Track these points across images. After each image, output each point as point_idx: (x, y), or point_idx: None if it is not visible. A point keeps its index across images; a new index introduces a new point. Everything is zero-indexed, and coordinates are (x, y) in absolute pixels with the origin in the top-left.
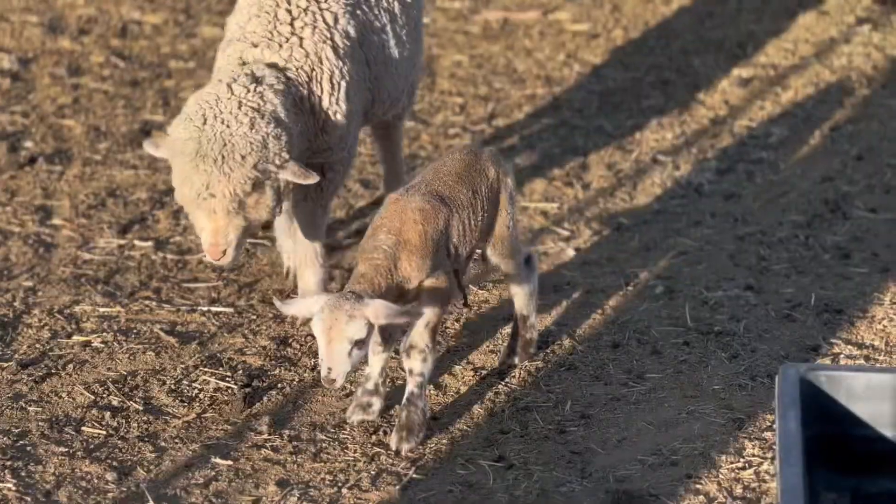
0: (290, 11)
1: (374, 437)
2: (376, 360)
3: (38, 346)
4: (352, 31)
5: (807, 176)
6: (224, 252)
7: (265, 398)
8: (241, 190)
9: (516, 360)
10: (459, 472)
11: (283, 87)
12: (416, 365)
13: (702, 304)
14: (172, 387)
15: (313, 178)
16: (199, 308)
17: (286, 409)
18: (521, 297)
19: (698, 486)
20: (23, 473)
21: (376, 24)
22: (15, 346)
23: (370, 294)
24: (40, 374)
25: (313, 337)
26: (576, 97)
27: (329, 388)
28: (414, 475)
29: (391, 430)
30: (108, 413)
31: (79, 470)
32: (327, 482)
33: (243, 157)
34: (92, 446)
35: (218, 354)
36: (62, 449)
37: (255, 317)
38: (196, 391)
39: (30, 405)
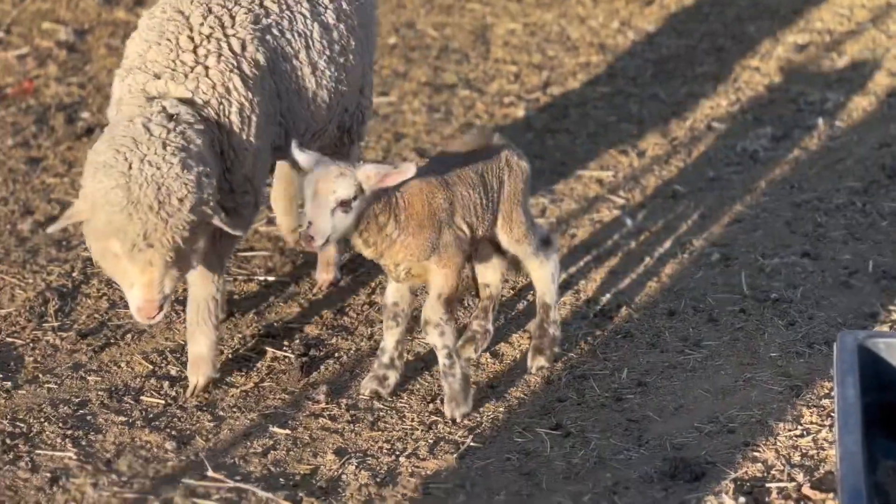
0: (192, 38)
1: (431, 406)
2: (390, 334)
3: (96, 316)
4: (261, 60)
5: (863, 142)
6: (160, 310)
7: (322, 367)
8: (180, 237)
9: (545, 362)
10: (517, 440)
11: (202, 125)
12: (435, 340)
13: (758, 272)
14: (230, 356)
15: (240, 231)
16: (256, 278)
17: (343, 378)
18: (541, 281)
19: (756, 453)
20: (83, 442)
21: (288, 51)
22: (74, 317)
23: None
24: (99, 343)
25: (370, 305)
26: (630, 65)
27: (308, 248)
28: (471, 443)
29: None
30: (167, 382)
31: (138, 439)
32: (385, 451)
33: (181, 201)
34: (151, 415)
35: (275, 324)
36: (122, 418)
37: (311, 286)
38: (253, 360)
39: (89, 374)
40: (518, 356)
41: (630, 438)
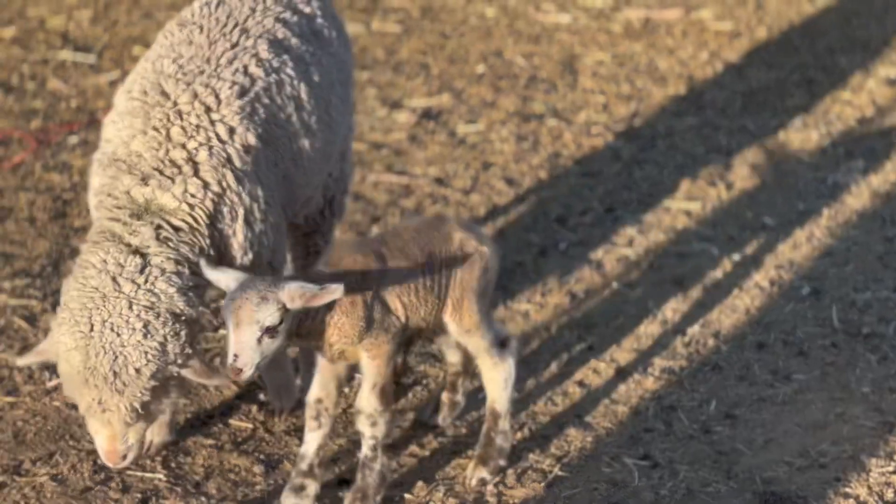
0: (184, 129)
1: (518, 434)
2: (312, 437)
3: None
4: (251, 139)
5: None
6: (125, 458)
7: (410, 394)
8: (138, 401)
9: (486, 475)
10: (604, 470)
11: (174, 268)
12: (365, 429)
13: (849, 306)
14: None
15: (218, 380)
16: None
17: (430, 405)
18: (492, 385)
19: (847, 489)
20: (173, 465)
21: (280, 116)
22: None
23: (288, 278)
24: None
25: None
26: (719, 96)
27: (236, 380)
28: (559, 472)
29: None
30: (255, 406)
31: (227, 462)
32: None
33: (138, 371)
34: (239, 439)
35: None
36: (210, 441)
37: None
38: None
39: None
40: (603, 384)
41: (719, 471)
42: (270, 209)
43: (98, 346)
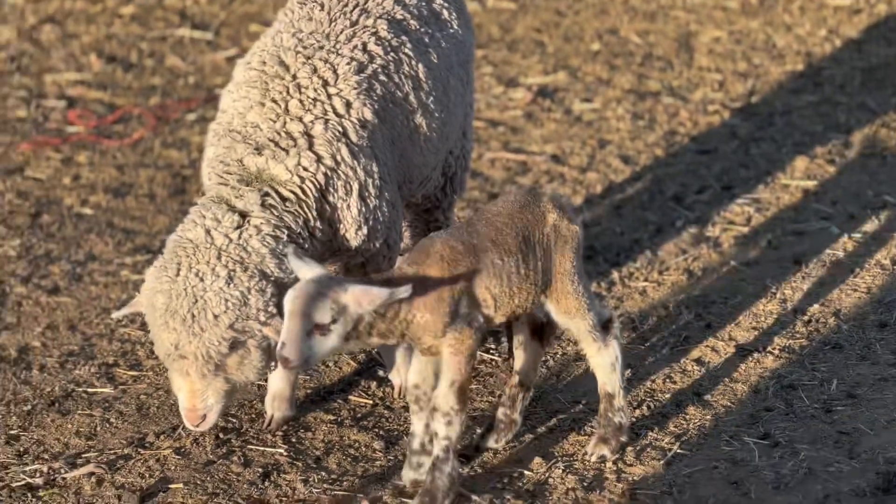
0: (302, 103)
1: (637, 412)
2: (417, 418)
3: None
4: (368, 115)
5: None
6: (204, 419)
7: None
8: (215, 351)
9: (607, 452)
10: (724, 449)
11: (272, 231)
12: (440, 428)
13: None
14: None
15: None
16: None
17: (549, 382)
18: (600, 369)
19: None
20: (293, 440)
21: (398, 95)
22: None
23: (356, 281)
24: None
25: None
26: (837, 73)
27: (285, 368)
28: (678, 450)
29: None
30: (374, 383)
31: (347, 438)
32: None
33: (216, 317)
34: (359, 415)
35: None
36: (330, 417)
37: None
38: None
39: (299, 373)
40: (722, 363)
41: (841, 451)
42: (386, 186)
43: (180, 289)
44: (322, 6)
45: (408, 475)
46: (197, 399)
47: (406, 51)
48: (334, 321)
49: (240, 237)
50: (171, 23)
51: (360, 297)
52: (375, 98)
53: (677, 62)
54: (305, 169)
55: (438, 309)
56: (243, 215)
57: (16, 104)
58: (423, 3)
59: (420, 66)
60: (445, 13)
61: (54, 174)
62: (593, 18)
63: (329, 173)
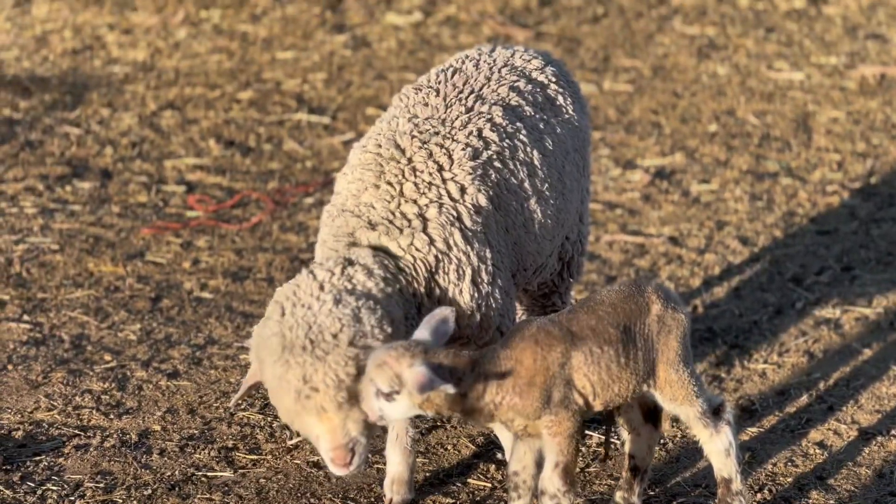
0: (417, 186)
1: (759, 496)
2: None
3: None
4: (483, 201)
5: None
6: (353, 455)
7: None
8: (343, 374)
9: None
10: None
11: (382, 272)
12: None
13: None
14: None
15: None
16: None
17: (669, 465)
18: (714, 455)
19: None
20: None
21: (513, 182)
22: None
23: (434, 363)
24: (426, 426)
25: None
26: None
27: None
28: None
29: None
30: (493, 466)
31: None
32: None
33: (335, 336)
34: (478, 498)
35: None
36: (449, 500)
37: None
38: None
39: (417, 456)
40: (845, 446)
41: None
42: (499, 273)
43: (291, 322)
44: (437, 92)
45: None
46: (339, 435)
47: (521, 137)
48: (397, 392)
49: (342, 272)
50: (289, 107)
51: (417, 379)
52: (490, 185)
53: (795, 143)
54: (418, 249)
55: (529, 393)
56: (349, 260)
57: (137, 189)
58: (538, 90)
59: (535, 152)
60: (560, 99)
61: (174, 258)
62: (710, 100)
63: (440, 256)
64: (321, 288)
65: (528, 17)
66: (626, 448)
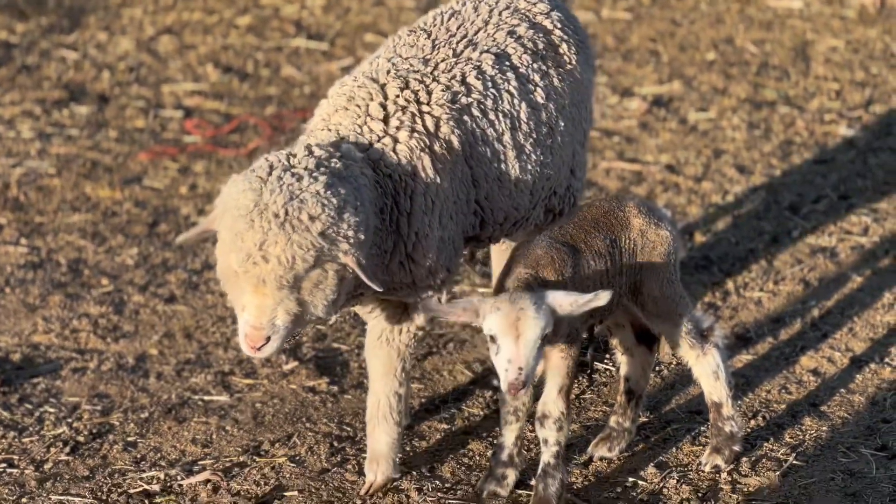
0: (384, 106)
1: (752, 423)
2: (509, 430)
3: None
4: (455, 142)
5: None
6: (267, 340)
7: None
8: (300, 259)
9: (721, 463)
10: (841, 460)
11: (372, 180)
12: (550, 435)
13: None
14: None
15: (377, 285)
16: None
17: (664, 391)
18: (703, 378)
19: None
20: (407, 448)
21: (490, 133)
22: None
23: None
24: (422, 352)
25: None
26: None
27: (513, 397)
28: (794, 461)
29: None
30: (488, 392)
31: (460, 446)
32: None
33: (311, 219)
34: (473, 424)
35: (597, 336)
36: (444, 426)
37: None
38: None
39: (412, 382)
40: (839, 373)
41: None
42: (451, 220)
43: (275, 185)
44: (429, 34)
45: (488, 487)
46: (266, 315)
47: (510, 88)
48: (551, 329)
49: (342, 159)
50: (287, 33)
51: (562, 302)
52: (464, 131)
53: (793, 71)
54: (387, 165)
55: None
56: (346, 154)
57: (134, 114)
58: (541, 36)
59: (523, 104)
60: (564, 47)
61: (171, 184)
62: (708, 28)
63: (408, 182)
64: (317, 166)
65: None
66: (621, 371)
